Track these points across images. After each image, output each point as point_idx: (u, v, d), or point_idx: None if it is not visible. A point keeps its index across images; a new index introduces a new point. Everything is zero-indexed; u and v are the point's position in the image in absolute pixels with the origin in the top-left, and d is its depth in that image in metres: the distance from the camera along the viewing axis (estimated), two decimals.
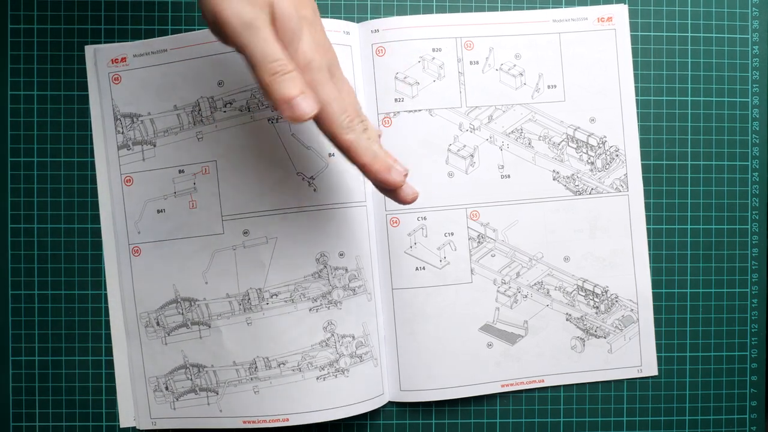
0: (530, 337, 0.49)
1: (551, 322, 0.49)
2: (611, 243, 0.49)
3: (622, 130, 0.49)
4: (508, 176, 0.48)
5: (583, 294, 0.49)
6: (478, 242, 0.48)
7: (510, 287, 0.48)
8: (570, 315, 0.49)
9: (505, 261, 0.48)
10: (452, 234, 0.48)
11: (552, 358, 0.49)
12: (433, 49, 0.48)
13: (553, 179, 0.49)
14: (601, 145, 0.49)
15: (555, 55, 0.48)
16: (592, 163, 0.49)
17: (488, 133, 0.48)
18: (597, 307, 0.49)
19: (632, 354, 0.49)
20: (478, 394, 0.48)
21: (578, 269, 0.49)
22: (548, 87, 0.48)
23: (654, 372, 0.50)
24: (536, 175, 0.48)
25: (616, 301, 0.49)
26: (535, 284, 0.49)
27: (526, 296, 0.49)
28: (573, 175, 0.49)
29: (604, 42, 0.49)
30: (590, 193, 0.49)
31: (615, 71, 0.49)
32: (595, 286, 0.49)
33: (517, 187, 0.48)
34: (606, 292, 0.49)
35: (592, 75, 0.49)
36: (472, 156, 0.48)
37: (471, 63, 0.48)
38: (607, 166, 0.49)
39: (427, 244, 0.48)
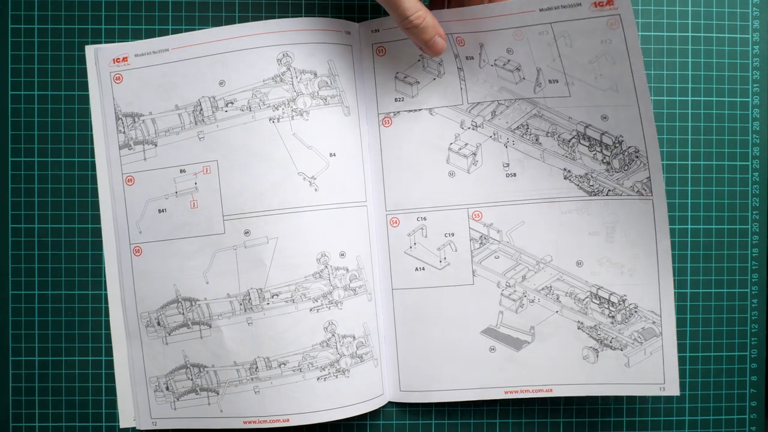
0: (537, 343, 0.47)
1: (561, 330, 0.46)
2: (632, 248, 0.46)
3: (642, 131, 0.44)
4: (514, 175, 0.46)
5: (598, 302, 0.46)
6: (481, 243, 0.47)
7: (515, 291, 0.47)
8: (582, 323, 0.46)
9: (510, 263, 0.47)
10: (453, 234, 0.47)
11: (561, 367, 0.47)
12: None
13: (565, 178, 0.46)
14: (617, 145, 0.45)
15: (550, 47, 0.44)
16: (608, 163, 0.45)
17: (492, 129, 0.46)
18: (613, 317, 0.46)
19: (654, 370, 0.46)
20: (479, 398, 0.47)
21: (592, 275, 0.46)
22: (549, 82, 0.45)
23: (676, 392, 0.45)
24: (545, 174, 0.46)
25: (635, 312, 0.46)
26: (542, 289, 0.47)
27: (532, 301, 0.47)
28: (586, 174, 0.46)
29: (607, 31, 0.43)
30: (607, 195, 0.46)
31: (626, 64, 0.43)
32: (611, 294, 0.46)
33: (524, 186, 0.46)
34: (624, 301, 0.46)
35: (597, 68, 0.44)
36: (474, 155, 0.47)
37: (467, 58, 0.46)
38: (626, 168, 0.45)
39: (427, 244, 0.48)
